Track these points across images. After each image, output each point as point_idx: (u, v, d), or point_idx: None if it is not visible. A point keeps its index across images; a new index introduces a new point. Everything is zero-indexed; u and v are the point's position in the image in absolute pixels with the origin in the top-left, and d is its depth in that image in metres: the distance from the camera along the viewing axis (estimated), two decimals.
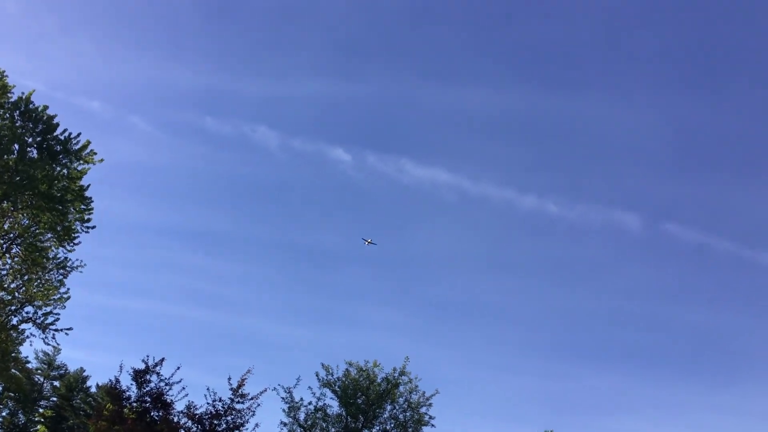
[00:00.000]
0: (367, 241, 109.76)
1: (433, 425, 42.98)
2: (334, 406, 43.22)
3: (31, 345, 42.84)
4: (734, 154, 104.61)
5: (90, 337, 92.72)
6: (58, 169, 38.90)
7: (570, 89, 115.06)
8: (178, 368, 33.70)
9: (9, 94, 37.65)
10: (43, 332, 40.01)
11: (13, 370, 43.65)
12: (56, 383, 68.23)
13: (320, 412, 42.79)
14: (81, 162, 39.91)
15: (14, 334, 39.88)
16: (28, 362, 56.60)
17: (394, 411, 43.62)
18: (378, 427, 43.09)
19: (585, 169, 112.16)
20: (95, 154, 40.20)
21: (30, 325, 39.99)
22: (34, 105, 38.31)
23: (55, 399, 67.30)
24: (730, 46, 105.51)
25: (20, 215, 39.02)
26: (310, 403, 42.60)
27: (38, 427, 64.78)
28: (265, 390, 34.60)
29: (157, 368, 33.61)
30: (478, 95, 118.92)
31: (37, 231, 39.44)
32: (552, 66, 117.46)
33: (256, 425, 33.96)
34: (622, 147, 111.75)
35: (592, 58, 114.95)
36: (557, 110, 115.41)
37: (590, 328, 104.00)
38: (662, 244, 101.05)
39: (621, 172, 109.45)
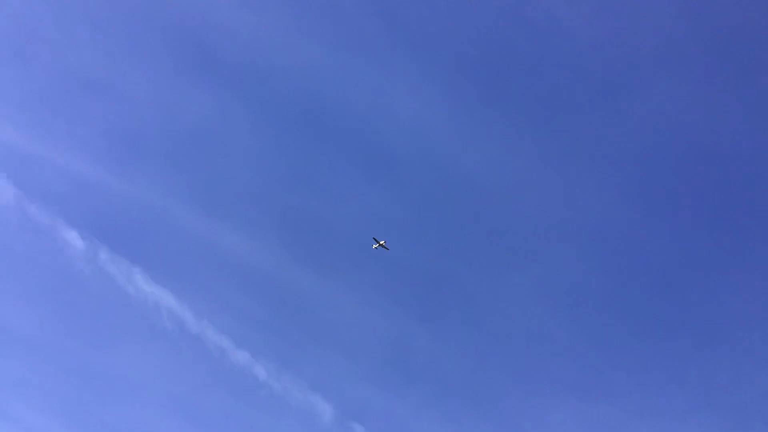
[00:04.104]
0: (378, 243, 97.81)
1: None
2: None
3: None
4: (437, 380, 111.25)
5: None
6: None
7: (318, 269, 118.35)
8: None
9: None
10: None
11: None
12: None
13: None
14: None
15: None
16: None
17: None
18: None
19: (304, 346, 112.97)
20: None
21: None
22: None
23: None
24: (451, 280, 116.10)
25: None
26: None
27: None
28: None
29: None
30: (234, 237, 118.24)
31: None
32: (304, 233, 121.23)
33: None
34: (344, 338, 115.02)
35: (342, 247, 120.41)
36: (300, 282, 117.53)
37: None
38: None
39: (334, 362, 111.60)
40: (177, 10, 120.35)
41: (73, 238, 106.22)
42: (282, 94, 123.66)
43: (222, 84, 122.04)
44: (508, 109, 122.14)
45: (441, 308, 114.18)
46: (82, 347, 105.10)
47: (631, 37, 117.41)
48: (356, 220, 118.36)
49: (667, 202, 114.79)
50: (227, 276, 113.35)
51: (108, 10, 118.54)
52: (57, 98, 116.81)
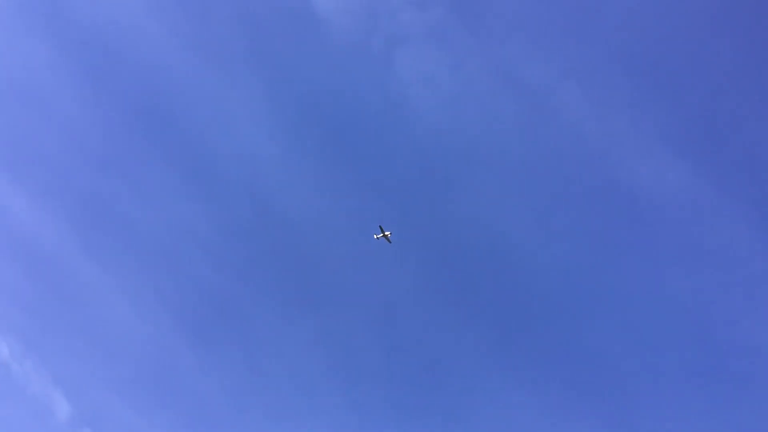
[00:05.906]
0: (383, 233, 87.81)
1: None
2: None
3: None
4: (193, 407, 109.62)
5: None
6: None
7: (103, 263, 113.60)
8: None
9: None
10: None
11: None
12: None
13: None
14: None
15: None
16: None
17: None
18: None
19: (61, 336, 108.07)
20: None
21: None
22: None
23: None
24: None
25: None
26: None
27: None
28: None
29: None
30: (23, 205, 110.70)
31: None
32: (101, 223, 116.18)
33: None
34: (107, 339, 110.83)
35: (135, 247, 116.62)
36: (79, 270, 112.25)
37: None
38: None
39: (88, 361, 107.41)
40: None
41: None
42: (125, 75, 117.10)
43: (64, 41, 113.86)
44: (345, 169, 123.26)
45: (217, 335, 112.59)
46: None
47: (472, 134, 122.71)
48: (160, 224, 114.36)
49: (458, 297, 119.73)
50: (1, 242, 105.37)
51: None
52: None
